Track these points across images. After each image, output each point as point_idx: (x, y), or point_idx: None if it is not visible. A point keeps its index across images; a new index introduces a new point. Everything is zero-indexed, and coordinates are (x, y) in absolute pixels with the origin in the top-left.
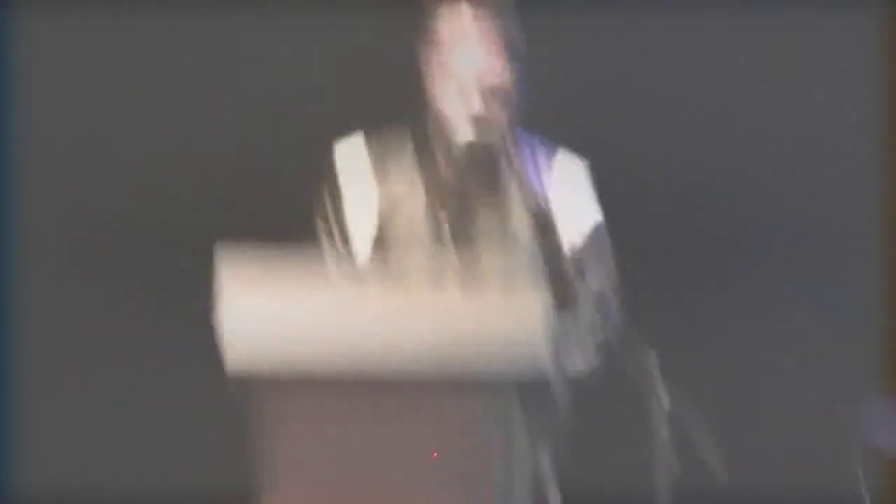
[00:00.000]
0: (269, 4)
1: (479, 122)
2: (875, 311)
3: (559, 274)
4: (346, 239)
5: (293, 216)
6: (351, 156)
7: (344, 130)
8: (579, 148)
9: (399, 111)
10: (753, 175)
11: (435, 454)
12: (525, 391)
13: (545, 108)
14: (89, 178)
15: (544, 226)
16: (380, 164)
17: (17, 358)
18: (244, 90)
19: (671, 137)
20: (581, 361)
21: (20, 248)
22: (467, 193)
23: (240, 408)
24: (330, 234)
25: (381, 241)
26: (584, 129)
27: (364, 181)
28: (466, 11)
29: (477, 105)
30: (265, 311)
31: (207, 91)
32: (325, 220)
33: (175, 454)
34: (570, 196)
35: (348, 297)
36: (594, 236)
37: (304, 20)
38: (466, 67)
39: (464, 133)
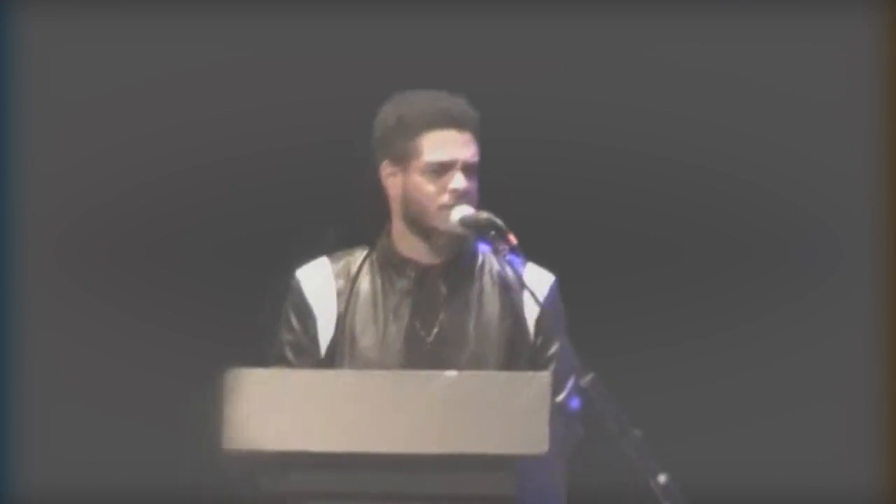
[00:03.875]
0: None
1: (460, 199)
2: (875, 310)
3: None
4: (317, 354)
5: (291, 216)
6: (315, 276)
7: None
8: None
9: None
10: (752, 177)
11: None
12: (526, 467)
13: None
14: (89, 179)
15: (515, 328)
16: (341, 282)
17: (17, 358)
18: (246, 93)
19: (671, 138)
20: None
21: (20, 248)
22: (432, 298)
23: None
24: (298, 348)
25: (354, 357)
26: (581, 129)
27: (329, 298)
28: (455, 135)
29: (461, 182)
30: (266, 404)
31: (208, 92)
32: (294, 335)
33: (176, 455)
34: (536, 305)
35: (346, 382)
36: (559, 346)
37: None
38: (450, 153)
39: (442, 218)
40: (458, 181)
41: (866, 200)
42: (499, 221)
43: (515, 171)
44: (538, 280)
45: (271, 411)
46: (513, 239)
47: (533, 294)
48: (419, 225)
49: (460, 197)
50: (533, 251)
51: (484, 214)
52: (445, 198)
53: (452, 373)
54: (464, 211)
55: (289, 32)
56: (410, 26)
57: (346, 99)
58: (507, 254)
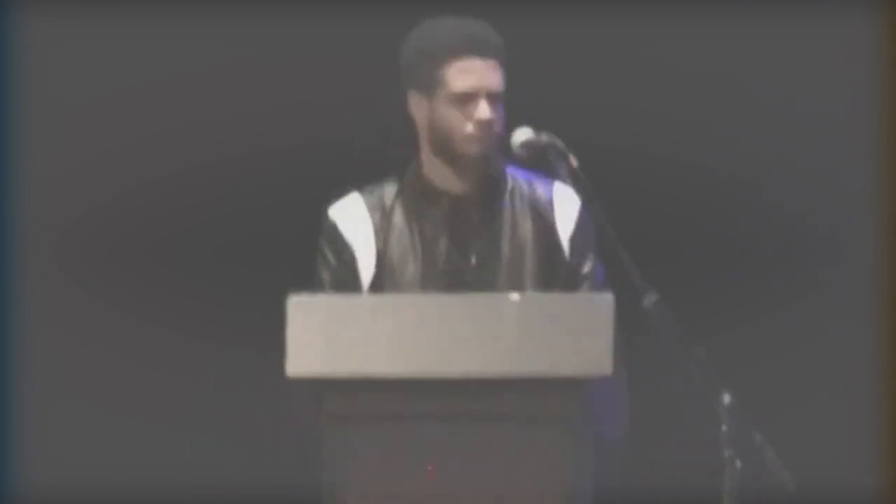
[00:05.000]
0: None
1: (485, 128)
2: (875, 310)
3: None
4: (358, 290)
5: (291, 216)
6: (350, 212)
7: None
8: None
9: (391, 163)
10: (752, 177)
11: (431, 469)
12: (588, 391)
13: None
14: (89, 179)
15: (549, 248)
16: (377, 216)
17: (17, 358)
18: (246, 93)
19: (671, 138)
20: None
21: (20, 248)
22: (467, 226)
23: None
24: (339, 285)
25: (396, 291)
26: (580, 129)
27: (366, 233)
28: (478, 62)
29: (485, 112)
30: (330, 329)
31: (208, 92)
32: (333, 272)
33: (176, 455)
34: (570, 224)
35: (408, 306)
36: (594, 264)
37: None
38: (474, 81)
39: (469, 146)
40: (483, 110)
41: (866, 200)
42: (559, 143)
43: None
44: (567, 201)
45: (335, 336)
46: (573, 161)
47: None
48: (447, 153)
49: (485, 126)
50: None
51: (545, 136)
52: (470, 127)
53: (515, 295)
54: (526, 134)
55: (289, 32)
56: (410, 26)
57: (347, 99)
58: (567, 178)
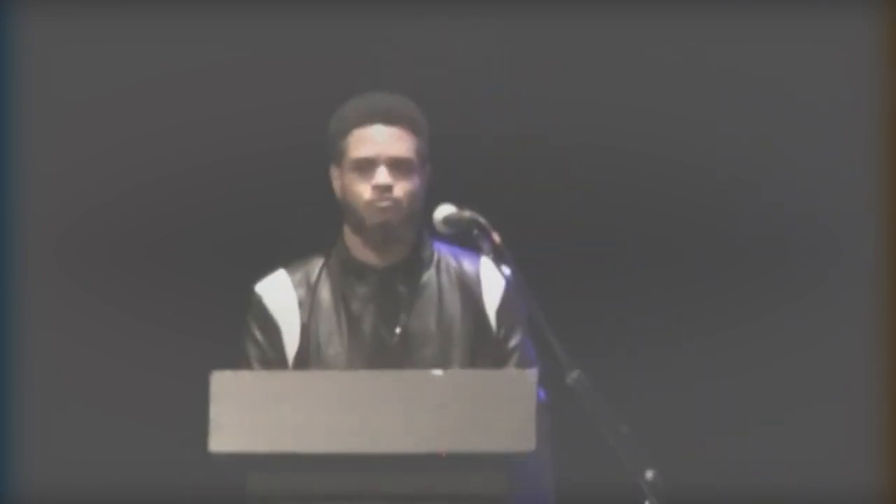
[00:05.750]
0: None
1: (382, 193)
2: (875, 310)
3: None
4: (284, 366)
5: (291, 216)
6: (275, 288)
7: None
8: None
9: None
10: (752, 177)
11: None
12: (516, 469)
13: None
14: (89, 179)
15: (477, 322)
16: (301, 291)
17: (17, 358)
18: (246, 93)
19: (671, 138)
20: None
21: (20, 248)
22: (394, 301)
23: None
24: (265, 362)
25: (321, 367)
26: (581, 129)
27: (291, 309)
28: (381, 130)
29: (382, 177)
30: (252, 406)
31: (208, 92)
32: (259, 348)
33: (176, 455)
34: (496, 297)
35: (332, 383)
36: (521, 337)
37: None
38: (372, 148)
39: (371, 214)
40: (381, 176)
41: (866, 200)
42: (482, 219)
43: (514, 170)
44: (494, 274)
45: (257, 413)
46: (496, 237)
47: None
48: (355, 224)
49: (383, 191)
50: (535, 251)
51: (467, 212)
52: (368, 194)
53: (438, 372)
54: (447, 210)
55: (289, 32)
56: (411, 26)
57: (347, 99)
58: (490, 254)
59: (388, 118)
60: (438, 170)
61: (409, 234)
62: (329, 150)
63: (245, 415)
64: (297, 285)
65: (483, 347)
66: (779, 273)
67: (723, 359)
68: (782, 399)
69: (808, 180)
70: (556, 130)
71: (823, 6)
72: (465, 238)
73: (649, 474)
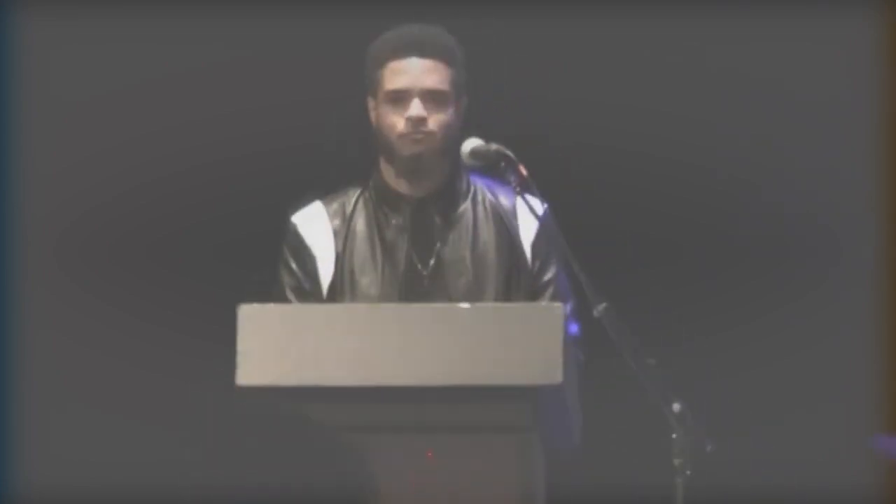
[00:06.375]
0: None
1: (416, 125)
2: (875, 310)
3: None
4: (319, 295)
5: (288, 216)
6: (311, 219)
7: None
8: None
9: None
10: (752, 177)
11: (430, 455)
12: (541, 401)
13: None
14: (89, 179)
15: (511, 254)
16: (336, 222)
17: (17, 358)
18: (246, 93)
19: (671, 138)
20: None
21: (20, 248)
22: (428, 231)
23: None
24: (300, 290)
25: (355, 296)
26: (581, 129)
27: (327, 239)
28: (415, 62)
29: (416, 109)
30: (281, 338)
31: (208, 92)
32: (294, 278)
33: (176, 455)
34: (532, 230)
35: (360, 316)
36: (556, 271)
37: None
38: (406, 80)
39: (403, 146)
40: (414, 108)
41: (866, 200)
42: (509, 153)
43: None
44: (532, 206)
45: (286, 346)
46: (523, 170)
47: (533, 210)
48: (388, 155)
49: (416, 124)
50: None
51: (494, 146)
52: (401, 126)
53: (465, 304)
54: (474, 143)
55: (289, 32)
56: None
57: (347, 99)
58: (517, 186)
59: (423, 50)
60: None
61: (443, 166)
62: (366, 82)
63: (272, 348)
64: (332, 216)
65: (518, 279)
66: (779, 273)
67: (723, 359)
68: (782, 399)
69: (808, 180)
70: (556, 130)
71: (823, 6)
72: (493, 171)
73: (676, 406)
